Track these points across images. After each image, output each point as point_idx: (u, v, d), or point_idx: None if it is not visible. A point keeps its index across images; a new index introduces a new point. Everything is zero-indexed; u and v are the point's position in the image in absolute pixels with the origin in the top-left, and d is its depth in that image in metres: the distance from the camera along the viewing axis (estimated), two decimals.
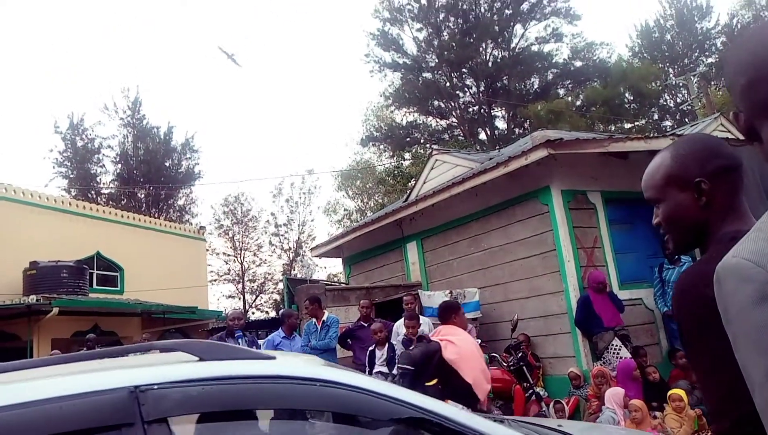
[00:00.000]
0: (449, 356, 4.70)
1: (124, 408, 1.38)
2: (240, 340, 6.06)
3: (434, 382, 4.59)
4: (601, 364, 6.39)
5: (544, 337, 7.59)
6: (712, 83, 27.38)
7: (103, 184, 32.28)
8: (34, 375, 1.62)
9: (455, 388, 4.51)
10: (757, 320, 0.71)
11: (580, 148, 7.17)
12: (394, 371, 6.34)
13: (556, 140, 6.97)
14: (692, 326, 1.12)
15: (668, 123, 29.56)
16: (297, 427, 2.03)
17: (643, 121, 28.46)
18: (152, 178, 31.27)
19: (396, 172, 28.54)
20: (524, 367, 6.51)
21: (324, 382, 1.68)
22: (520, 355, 6.67)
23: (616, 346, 6.45)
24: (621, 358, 6.29)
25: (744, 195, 1.23)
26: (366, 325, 7.20)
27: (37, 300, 13.44)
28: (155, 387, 1.45)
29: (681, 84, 26.26)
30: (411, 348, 5.27)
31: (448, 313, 5.17)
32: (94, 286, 18.10)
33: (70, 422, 1.33)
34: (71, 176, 30.97)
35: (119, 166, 32.37)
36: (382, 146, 32.20)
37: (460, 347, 4.75)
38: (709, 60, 31.19)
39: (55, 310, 13.38)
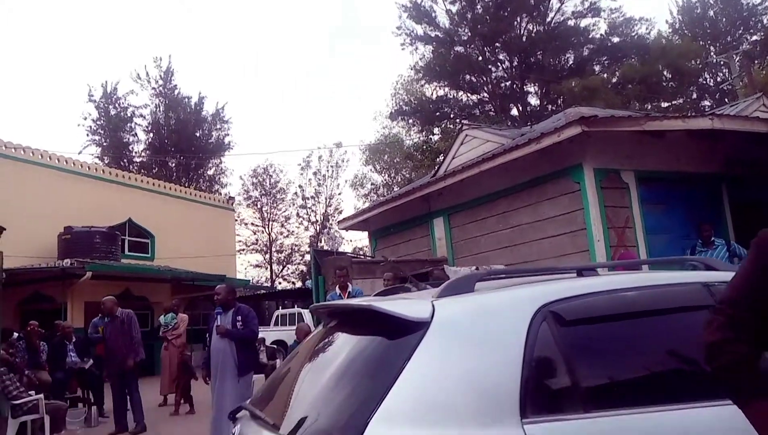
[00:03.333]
0: None
1: (704, 295, 2.01)
2: (219, 316, 5.95)
3: None
4: None
5: None
6: (756, 62, 26.35)
7: (135, 152, 32.80)
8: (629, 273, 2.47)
9: None
10: None
11: (615, 126, 6.99)
12: None
13: (591, 117, 6.81)
14: None
15: (707, 103, 28.66)
16: None
17: (681, 101, 27.65)
18: (183, 148, 31.63)
19: (425, 147, 28.31)
20: None
21: None
22: None
23: None
24: None
25: None
26: None
27: (71, 264, 13.81)
28: (716, 284, 2.05)
29: (722, 62, 25.29)
30: None
31: None
32: (126, 252, 18.52)
33: (675, 300, 2.05)
34: (104, 144, 31.51)
35: (151, 135, 32.79)
36: (411, 120, 31.91)
37: None
38: (754, 37, 29.99)
39: (89, 274, 13.74)
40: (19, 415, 7.00)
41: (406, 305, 1.87)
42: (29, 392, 7.40)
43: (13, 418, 6.92)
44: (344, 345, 2.03)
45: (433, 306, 1.82)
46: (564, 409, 1.71)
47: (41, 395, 7.41)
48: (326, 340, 2.28)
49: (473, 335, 1.78)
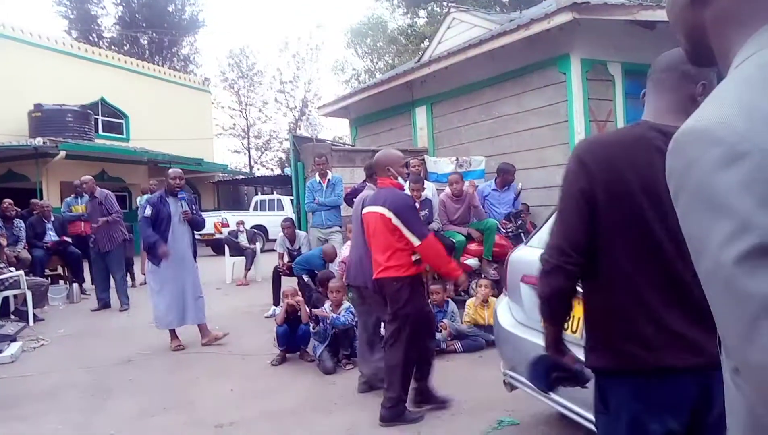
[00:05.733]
0: None
1: None
2: (182, 201, 5.92)
3: None
4: None
5: (545, 207, 7.67)
6: None
7: (105, 27, 31.02)
8: None
9: None
10: (724, 183, 0.64)
11: (608, 13, 6.76)
12: None
13: (583, 3, 6.56)
14: None
15: None
16: None
17: None
18: (155, 23, 29.97)
19: (409, 30, 27.27)
20: (522, 235, 6.66)
21: None
22: (519, 223, 6.80)
23: None
24: None
25: None
26: None
27: (44, 142, 13.48)
28: None
29: None
30: None
31: None
32: (100, 132, 18.08)
33: None
34: (71, 17, 29.68)
35: (120, 8, 30.87)
36: (396, 1, 30.42)
37: None
38: None
39: (62, 153, 13.47)
40: (0, 290, 7.11)
41: None
42: (9, 269, 7.48)
43: None
44: None
45: None
46: None
47: (21, 271, 7.50)
48: None
49: None
